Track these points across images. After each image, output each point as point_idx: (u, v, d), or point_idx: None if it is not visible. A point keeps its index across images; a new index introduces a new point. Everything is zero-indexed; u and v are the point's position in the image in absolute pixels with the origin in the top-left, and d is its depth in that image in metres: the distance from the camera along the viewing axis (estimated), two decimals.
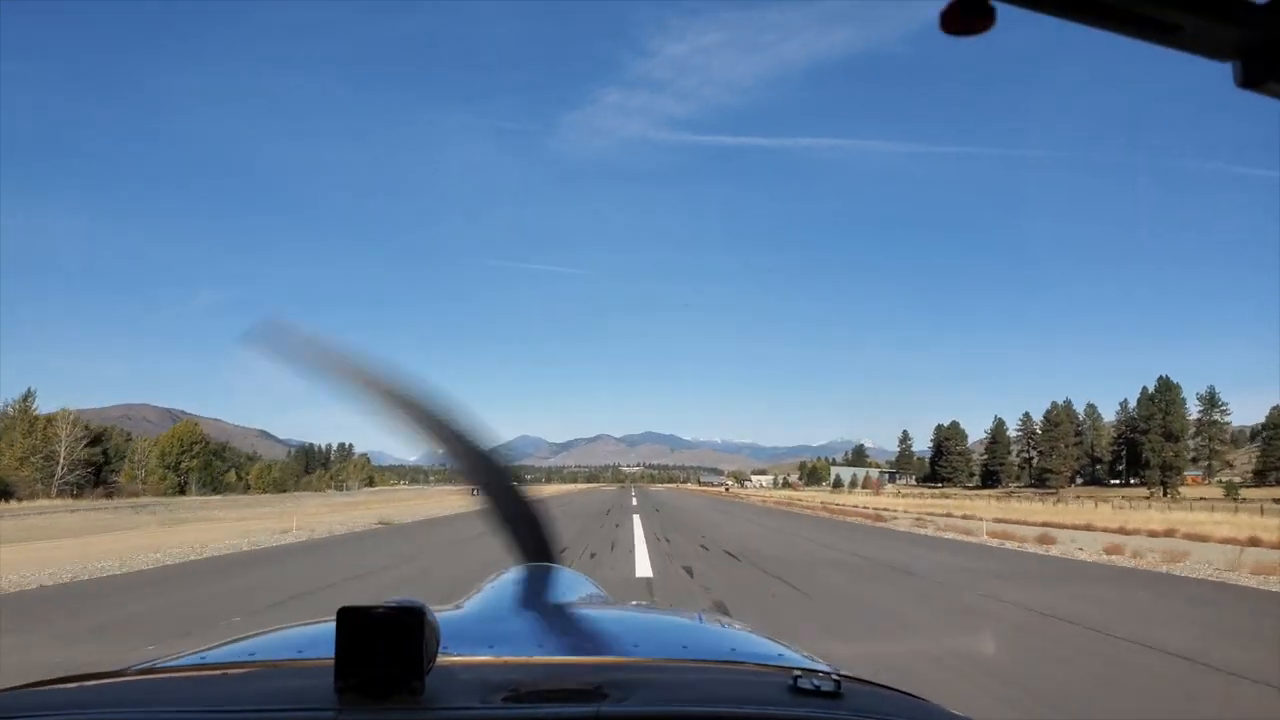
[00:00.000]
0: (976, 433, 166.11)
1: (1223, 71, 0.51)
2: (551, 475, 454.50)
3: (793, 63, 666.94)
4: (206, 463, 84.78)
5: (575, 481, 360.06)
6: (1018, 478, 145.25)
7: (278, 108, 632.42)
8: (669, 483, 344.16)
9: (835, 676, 0.85)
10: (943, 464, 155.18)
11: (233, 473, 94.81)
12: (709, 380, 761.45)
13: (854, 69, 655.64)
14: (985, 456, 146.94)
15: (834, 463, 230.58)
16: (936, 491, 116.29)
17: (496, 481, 1.81)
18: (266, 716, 0.75)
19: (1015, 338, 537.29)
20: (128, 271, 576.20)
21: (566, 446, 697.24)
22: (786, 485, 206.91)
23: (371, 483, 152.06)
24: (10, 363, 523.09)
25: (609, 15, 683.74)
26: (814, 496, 72.43)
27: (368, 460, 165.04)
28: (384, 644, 0.74)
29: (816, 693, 0.81)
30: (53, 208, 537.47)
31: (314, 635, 1.14)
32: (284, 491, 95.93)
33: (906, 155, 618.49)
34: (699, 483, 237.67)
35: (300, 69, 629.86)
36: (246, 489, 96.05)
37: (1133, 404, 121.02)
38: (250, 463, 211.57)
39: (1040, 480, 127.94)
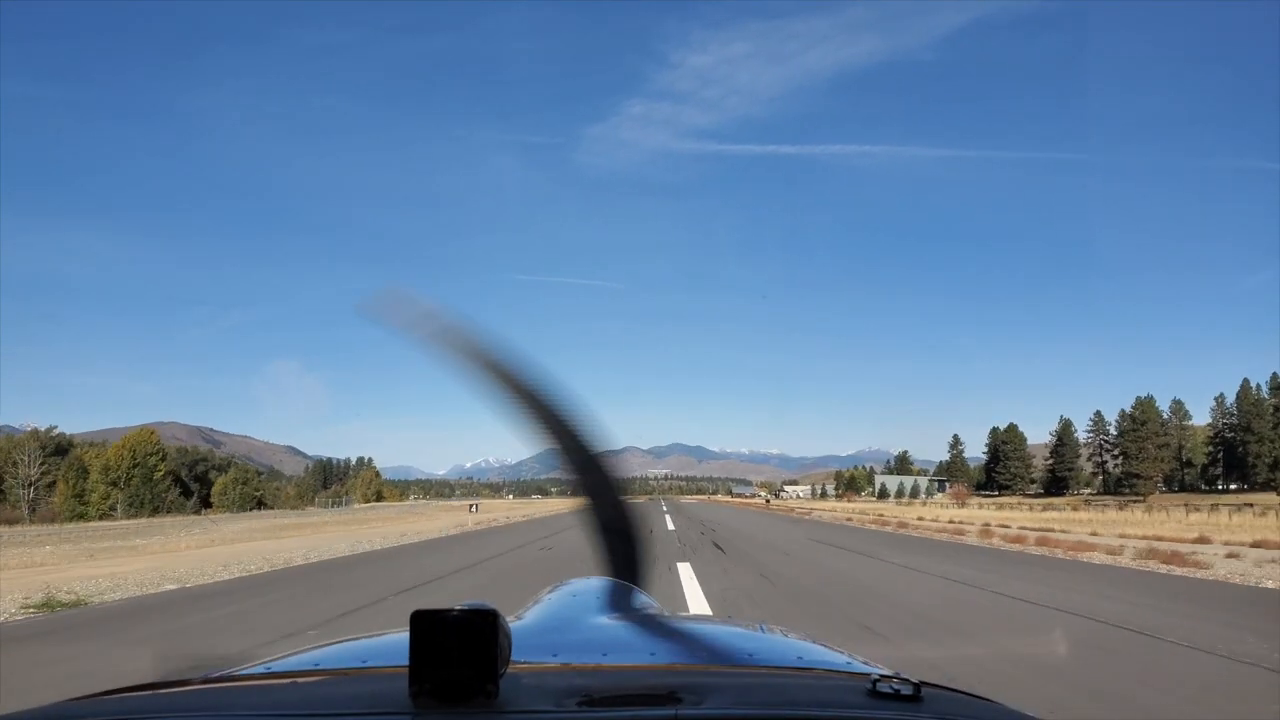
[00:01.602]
0: (1029, 437, 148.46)
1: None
2: None
3: (818, 71, 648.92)
4: (148, 478, 70.18)
5: None
6: (1088, 484, 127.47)
7: (304, 127, 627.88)
8: (698, 494, 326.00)
9: (913, 681, 0.82)
10: (1000, 470, 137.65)
11: (175, 488, 79.08)
12: (736, 391, 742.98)
13: (880, 76, 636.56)
14: (1050, 461, 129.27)
15: (872, 471, 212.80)
16: (1013, 501, 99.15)
17: (601, 490, 1.71)
18: None
19: (1049, 344, 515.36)
20: (158, 291, 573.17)
21: None
22: (824, 495, 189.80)
23: (379, 498, 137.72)
24: (44, 384, 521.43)
25: (632, 29, 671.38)
26: (900, 511, 56.40)
27: (376, 475, 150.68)
28: (458, 647, 0.72)
29: (896, 696, 0.79)
30: (81, 229, 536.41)
31: (380, 645, 1.13)
32: (244, 510, 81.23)
33: (935, 160, 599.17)
34: (730, 494, 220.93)
35: (326, 88, 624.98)
36: (203, 507, 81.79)
37: (1230, 400, 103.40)
38: (267, 481, 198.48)
39: (1126, 485, 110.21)
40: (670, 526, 28.60)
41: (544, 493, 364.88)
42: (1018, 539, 20.75)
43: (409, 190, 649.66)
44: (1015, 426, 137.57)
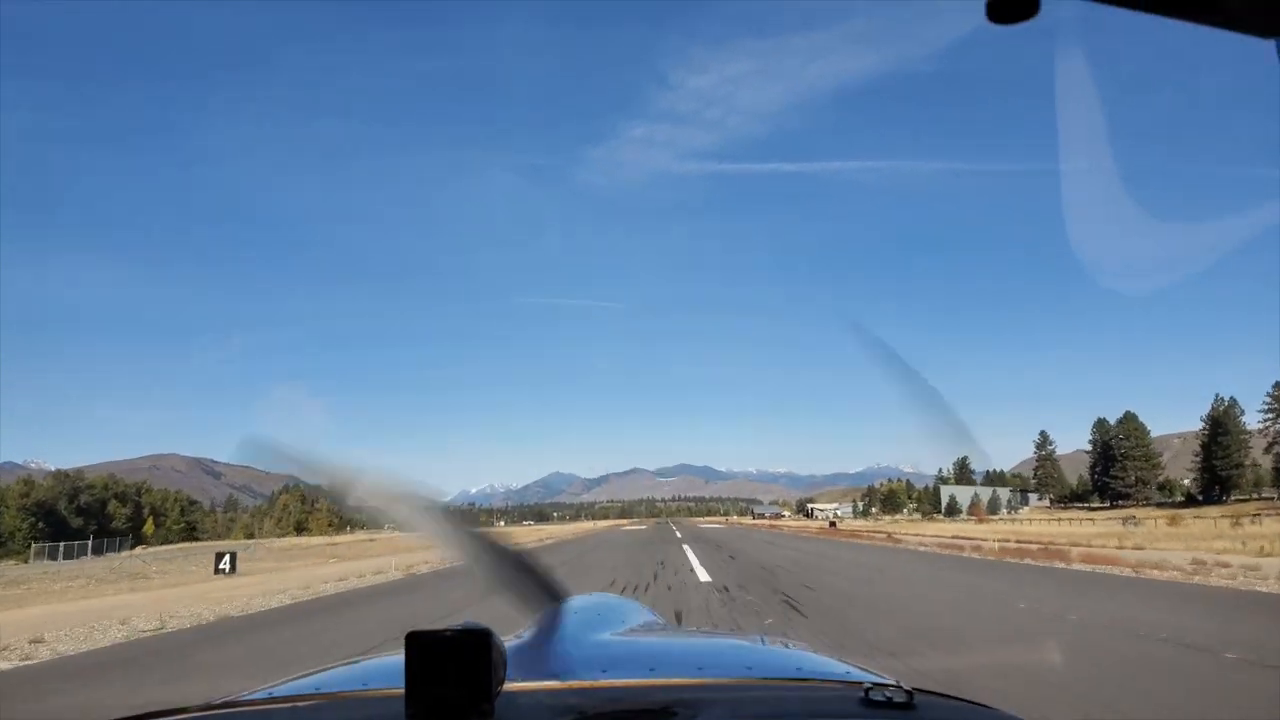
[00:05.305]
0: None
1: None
2: (581, 511, 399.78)
3: (818, 88, 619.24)
4: None
5: (606, 517, 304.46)
6: (1255, 485, 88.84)
7: (305, 151, 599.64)
8: (708, 515, 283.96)
9: (907, 689, 0.81)
10: (1116, 475, 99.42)
11: None
12: (742, 411, 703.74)
13: (881, 90, 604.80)
14: (1199, 458, 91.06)
15: (906, 483, 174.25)
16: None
17: (483, 547, 1.70)
18: None
19: (1055, 354, 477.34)
20: (158, 321, 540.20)
21: (599, 481, 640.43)
22: (866, 513, 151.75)
23: (299, 530, 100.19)
24: (42, 415, 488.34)
25: (633, 51, 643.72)
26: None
27: (301, 501, 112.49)
28: (453, 668, 0.70)
29: (889, 704, 0.77)
30: (82, 260, 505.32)
31: (379, 668, 1.10)
32: None
33: (937, 173, 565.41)
34: (753, 514, 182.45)
35: (330, 113, 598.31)
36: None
37: None
38: (203, 512, 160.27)
39: None
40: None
41: (543, 518, 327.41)
42: None
43: (413, 213, 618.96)
44: (1134, 417, 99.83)
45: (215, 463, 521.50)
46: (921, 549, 26.17)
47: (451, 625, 0.73)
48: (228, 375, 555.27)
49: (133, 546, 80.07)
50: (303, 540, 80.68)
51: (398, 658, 0.72)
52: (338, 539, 74.15)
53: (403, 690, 0.71)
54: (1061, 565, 16.14)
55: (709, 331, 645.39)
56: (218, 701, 0.95)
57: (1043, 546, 21.67)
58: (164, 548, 75.88)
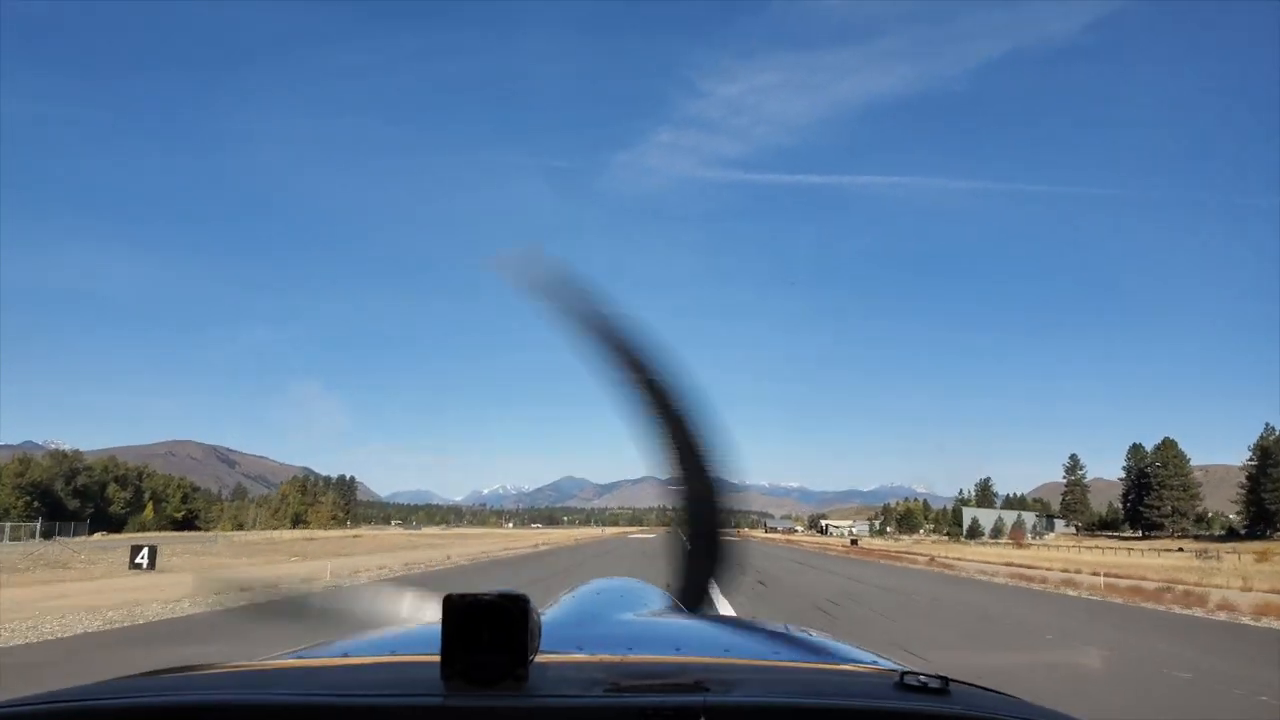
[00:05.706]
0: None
1: None
2: (591, 517, 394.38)
3: (848, 102, 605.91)
4: None
5: (616, 524, 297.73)
6: None
7: (331, 147, 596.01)
8: None
9: (941, 675, 0.80)
10: (1152, 504, 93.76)
11: None
12: (755, 422, 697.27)
13: (911, 107, 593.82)
14: (1244, 490, 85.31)
15: (925, 503, 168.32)
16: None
17: (702, 511, 1.58)
18: (375, 701, 0.71)
19: (1080, 381, 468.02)
20: (181, 309, 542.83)
21: (611, 488, 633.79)
22: (882, 532, 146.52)
23: (296, 523, 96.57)
24: (63, 398, 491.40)
25: (661, 58, 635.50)
26: None
27: (311, 486, 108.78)
28: (489, 632, 0.70)
29: (924, 689, 0.77)
30: (107, 247, 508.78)
31: (409, 636, 1.10)
32: None
33: (965, 191, 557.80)
34: (765, 528, 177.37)
35: (351, 109, 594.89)
36: None
37: None
38: (210, 499, 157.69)
39: None
40: None
41: (553, 522, 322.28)
42: None
43: (433, 213, 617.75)
44: (1174, 444, 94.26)
45: (231, 451, 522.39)
46: (994, 580, 21.80)
47: (489, 590, 0.72)
48: (247, 366, 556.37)
49: (91, 532, 73.32)
50: (279, 534, 76.02)
51: (425, 628, 0.68)
52: (325, 534, 70.06)
53: (436, 655, 0.70)
54: (1264, 624, 11.65)
55: (725, 339, 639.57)
56: (252, 661, 0.95)
57: (1165, 586, 17.23)
58: (138, 535, 70.62)
